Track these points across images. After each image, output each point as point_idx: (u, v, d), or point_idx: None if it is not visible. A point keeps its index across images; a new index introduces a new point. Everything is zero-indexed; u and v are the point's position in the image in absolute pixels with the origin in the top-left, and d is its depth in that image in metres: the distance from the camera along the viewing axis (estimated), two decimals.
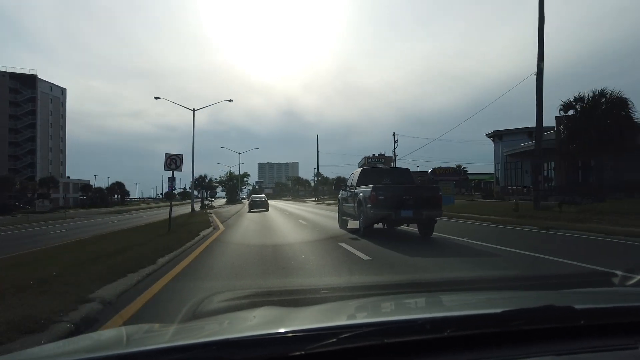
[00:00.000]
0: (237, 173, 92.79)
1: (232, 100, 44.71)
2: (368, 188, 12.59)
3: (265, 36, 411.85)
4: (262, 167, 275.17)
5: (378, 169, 16.19)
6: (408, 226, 13.75)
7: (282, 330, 1.45)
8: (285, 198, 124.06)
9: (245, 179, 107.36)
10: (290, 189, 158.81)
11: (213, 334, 1.69)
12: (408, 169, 15.53)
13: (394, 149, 57.15)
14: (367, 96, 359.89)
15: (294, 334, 1.38)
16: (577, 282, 6.24)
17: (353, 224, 14.50)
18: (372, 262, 8.00)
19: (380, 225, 13.28)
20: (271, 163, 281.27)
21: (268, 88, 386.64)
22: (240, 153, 78.55)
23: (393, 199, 12.18)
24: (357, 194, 13.45)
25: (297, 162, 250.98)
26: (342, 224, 15.69)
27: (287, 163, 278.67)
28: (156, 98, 37.87)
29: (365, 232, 12.61)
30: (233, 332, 1.68)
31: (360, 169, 15.01)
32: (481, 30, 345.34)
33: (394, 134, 58.02)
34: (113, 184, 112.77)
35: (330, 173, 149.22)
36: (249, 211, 36.28)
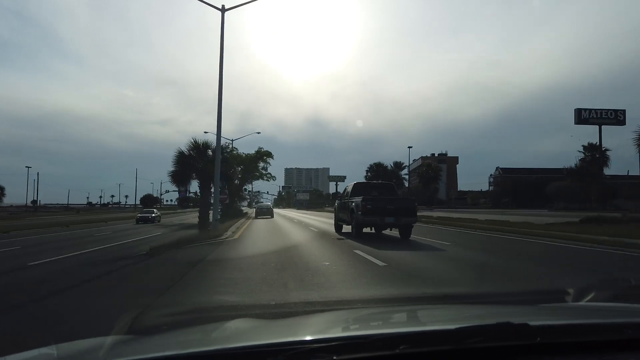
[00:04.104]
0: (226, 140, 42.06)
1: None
2: (359, 199, 15.73)
3: (292, 46, 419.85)
4: (289, 172, 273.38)
5: (368, 184, 19.27)
6: (391, 230, 16.79)
7: (229, 346, 1.49)
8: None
9: (264, 164, 48.21)
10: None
11: (167, 347, 1.65)
12: (392, 184, 18.72)
13: None
14: (395, 106, 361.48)
15: (233, 351, 1.40)
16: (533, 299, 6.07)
17: (347, 228, 17.63)
18: None
19: (367, 229, 16.40)
20: (299, 168, 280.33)
21: (295, 97, 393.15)
22: None
23: (379, 208, 15.32)
24: (350, 203, 16.62)
25: (329, 168, 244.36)
26: (338, 228, 18.88)
27: (317, 169, 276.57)
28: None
29: (356, 234, 15.73)
30: (186, 346, 1.65)
31: (352, 183, 18.26)
32: (512, 40, 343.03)
33: None
34: None
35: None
36: (256, 217, 37.34)
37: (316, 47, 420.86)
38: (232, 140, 44.57)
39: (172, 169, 30.44)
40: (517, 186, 78.26)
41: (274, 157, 48.46)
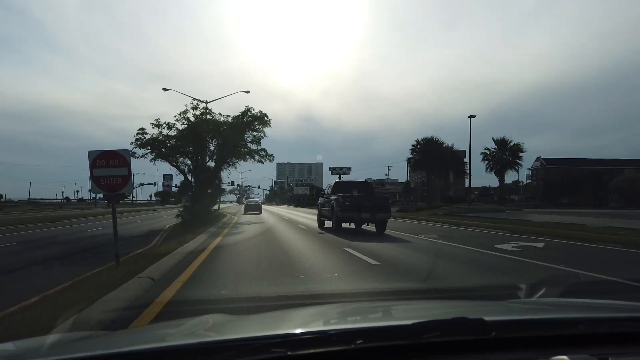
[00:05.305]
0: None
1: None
2: (338, 196, 17.13)
3: (285, 42, 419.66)
4: (281, 167, 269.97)
5: (347, 182, 20.72)
6: (368, 225, 18.21)
7: (184, 342, 1.54)
8: None
9: (256, 134, 27.13)
10: None
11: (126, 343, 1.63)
12: (370, 183, 20.16)
13: None
14: (386, 103, 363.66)
15: (189, 348, 1.41)
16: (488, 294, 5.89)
17: (328, 224, 18.98)
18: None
19: (347, 225, 17.78)
20: (292, 163, 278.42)
21: (287, 93, 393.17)
22: None
23: (356, 205, 16.74)
24: (330, 200, 18.02)
25: (322, 163, 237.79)
26: (320, 224, 20.26)
27: (310, 163, 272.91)
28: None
29: (336, 229, 17.13)
30: (141, 342, 1.65)
31: (334, 182, 19.71)
32: (505, 38, 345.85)
33: None
34: None
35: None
36: (244, 214, 37.70)
37: (309, 44, 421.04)
38: (207, 102, 27.89)
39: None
40: (566, 180, 66.50)
41: (271, 124, 27.80)
